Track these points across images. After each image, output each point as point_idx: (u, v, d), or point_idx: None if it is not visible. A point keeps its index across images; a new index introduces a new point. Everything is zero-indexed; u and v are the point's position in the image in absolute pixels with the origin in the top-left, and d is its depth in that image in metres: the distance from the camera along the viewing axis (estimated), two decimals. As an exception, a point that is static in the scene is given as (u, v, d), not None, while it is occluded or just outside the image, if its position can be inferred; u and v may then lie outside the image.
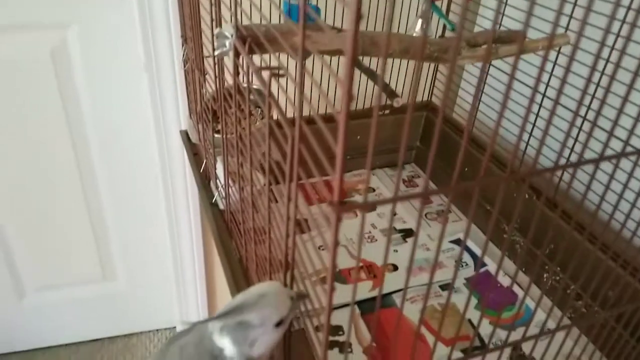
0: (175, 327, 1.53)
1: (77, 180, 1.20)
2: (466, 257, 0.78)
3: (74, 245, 1.31)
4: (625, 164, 0.42)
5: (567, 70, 0.28)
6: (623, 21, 0.58)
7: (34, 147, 1.13)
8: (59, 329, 1.45)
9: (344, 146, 0.23)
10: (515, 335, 0.59)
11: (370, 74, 0.67)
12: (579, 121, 0.70)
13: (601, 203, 0.40)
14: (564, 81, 0.29)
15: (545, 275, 0.72)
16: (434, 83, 0.99)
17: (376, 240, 0.81)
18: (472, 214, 0.31)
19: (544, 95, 0.73)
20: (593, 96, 0.64)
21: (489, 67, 0.81)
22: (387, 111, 0.96)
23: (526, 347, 0.62)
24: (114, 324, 1.49)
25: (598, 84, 0.63)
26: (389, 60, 0.82)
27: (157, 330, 1.54)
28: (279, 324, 0.39)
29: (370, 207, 0.26)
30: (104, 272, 1.38)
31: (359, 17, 0.22)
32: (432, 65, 0.98)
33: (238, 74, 0.41)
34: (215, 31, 0.40)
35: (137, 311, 1.48)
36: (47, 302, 1.38)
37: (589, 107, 0.67)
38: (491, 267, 0.76)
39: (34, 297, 1.37)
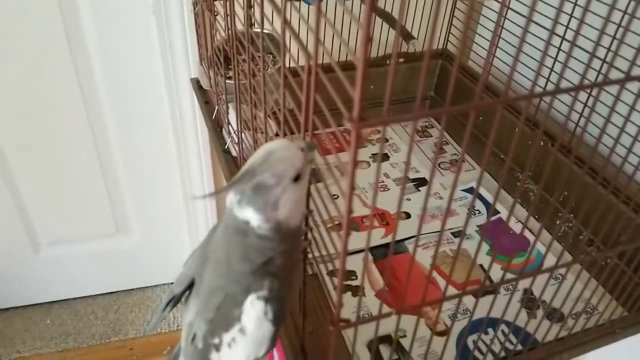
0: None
1: (88, 132, 1.20)
2: (479, 205, 0.78)
3: (87, 199, 1.32)
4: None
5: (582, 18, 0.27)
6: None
7: (42, 98, 1.12)
8: (75, 282, 1.49)
9: (365, 55, 0.22)
10: (527, 280, 0.59)
11: (387, 17, 0.66)
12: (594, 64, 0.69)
13: (615, 147, 0.39)
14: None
15: (557, 222, 0.72)
16: (449, 29, 0.97)
17: (389, 189, 0.81)
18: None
19: (563, 37, 0.71)
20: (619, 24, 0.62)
21: (506, 12, 0.79)
22: (401, 59, 0.95)
23: (537, 291, 0.62)
24: (129, 277, 1.53)
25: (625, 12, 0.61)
26: (405, 2, 0.80)
27: (172, 283, 1.57)
28: (296, 179, 0.36)
29: (390, 121, 0.26)
30: (117, 225, 1.40)
31: None
32: (449, 11, 0.95)
33: (251, 6, 0.41)
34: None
35: (152, 264, 1.51)
36: (63, 256, 1.42)
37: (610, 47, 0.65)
38: (504, 214, 0.76)
39: (49, 251, 1.40)
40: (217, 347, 0.42)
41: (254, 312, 0.39)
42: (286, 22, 0.33)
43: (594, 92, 0.61)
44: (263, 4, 0.36)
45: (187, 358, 0.46)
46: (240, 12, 0.45)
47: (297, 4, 0.32)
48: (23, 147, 1.19)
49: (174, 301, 0.47)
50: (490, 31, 0.88)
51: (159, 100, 1.17)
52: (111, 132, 1.22)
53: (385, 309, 0.37)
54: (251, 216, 0.37)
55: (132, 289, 1.55)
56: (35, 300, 1.49)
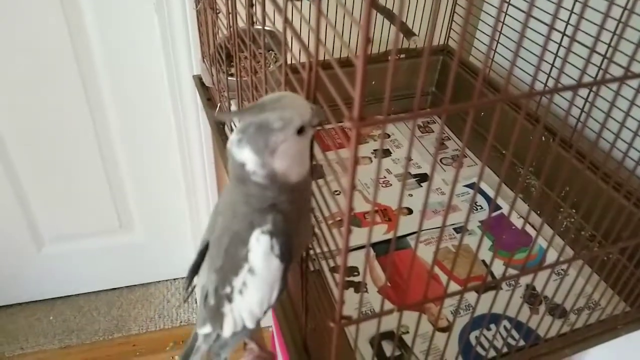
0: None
1: (91, 129, 1.20)
2: (481, 201, 0.78)
3: (90, 195, 1.33)
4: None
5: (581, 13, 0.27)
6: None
7: (44, 95, 1.13)
8: (78, 279, 1.49)
9: (364, 57, 0.22)
10: (529, 276, 0.60)
11: (387, 13, 0.66)
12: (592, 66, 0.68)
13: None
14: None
15: (559, 217, 0.72)
16: (450, 25, 0.97)
17: (391, 185, 0.81)
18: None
19: (563, 33, 0.71)
20: (619, 21, 0.62)
21: (507, 8, 0.79)
22: (402, 55, 0.95)
23: (539, 287, 0.63)
24: (132, 273, 1.53)
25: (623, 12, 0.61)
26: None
27: (175, 279, 1.58)
28: (300, 132, 0.35)
29: (390, 121, 0.26)
30: (120, 222, 1.41)
31: None
32: (449, 6, 0.95)
33: (252, 5, 0.41)
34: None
35: (155, 260, 1.51)
36: (65, 252, 1.42)
37: (610, 43, 0.65)
38: (506, 209, 0.76)
39: (52, 247, 1.41)
40: (229, 297, 0.42)
41: (260, 248, 0.38)
42: (287, 22, 0.33)
43: (594, 87, 0.62)
44: (265, 3, 0.36)
45: (202, 322, 0.46)
46: (241, 9, 0.45)
47: (298, 3, 0.32)
48: (26, 143, 1.20)
49: (195, 268, 0.48)
50: (491, 26, 0.87)
51: (162, 97, 1.17)
52: (114, 128, 1.22)
53: (388, 305, 0.37)
54: (248, 157, 0.36)
55: (135, 285, 1.55)
56: (38, 297, 1.50)
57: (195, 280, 0.49)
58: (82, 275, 1.49)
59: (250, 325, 0.44)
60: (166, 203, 1.39)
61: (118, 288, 1.54)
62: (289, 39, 0.36)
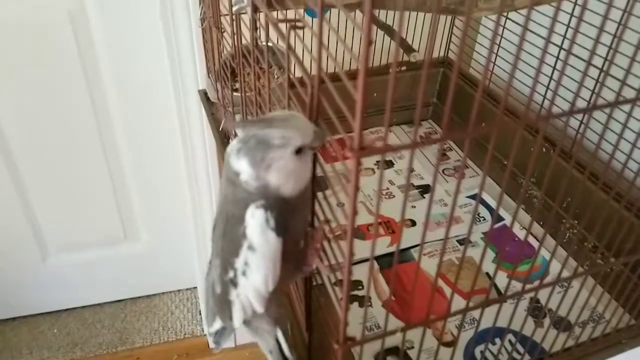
0: (196, 287, 1.58)
1: (97, 140, 1.22)
2: (484, 212, 0.79)
3: (95, 206, 1.34)
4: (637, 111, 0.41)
5: (577, 28, 0.28)
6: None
7: (53, 107, 1.15)
8: (82, 291, 1.49)
9: (364, 90, 0.23)
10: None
11: (387, 29, 0.66)
12: (591, 73, 0.69)
13: (614, 152, 0.40)
14: (575, 33, 0.28)
15: (562, 229, 0.73)
16: (450, 38, 0.98)
17: (394, 196, 0.82)
18: (488, 160, 0.31)
19: (560, 47, 0.72)
20: (610, 46, 0.63)
21: (505, 21, 0.79)
22: (403, 67, 0.95)
23: (543, 299, 0.63)
24: (136, 284, 1.53)
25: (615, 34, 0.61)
26: (405, 15, 0.81)
27: (179, 290, 1.58)
28: (298, 152, 0.37)
29: (389, 150, 0.26)
30: (125, 232, 1.42)
31: None
32: (449, 19, 0.96)
33: (256, 29, 0.41)
34: (233, -14, 0.40)
35: (159, 272, 1.52)
36: (70, 264, 1.43)
37: (606, 57, 0.65)
38: (509, 221, 0.76)
39: (57, 258, 1.41)
40: (234, 282, 0.42)
41: (256, 222, 0.39)
42: (290, 48, 0.34)
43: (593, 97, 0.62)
44: (268, 27, 0.37)
45: (212, 317, 0.46)
46: (246, 31, 0.46)
47: (300, 32, 0.33)
48: (33, 154, 1.21)
49: None
50: (489, 39, 0.88)
51: (168, 111, 1.19)
52: (120, 139, 1.24)
53: (392, 320, 0.37)
54: (244, 168, 0.37)
55: (139, 297, 1.56)
56: (43, 309, 1.50)
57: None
58: (87, 287, 1.49)
59: (258, 307, 0.43)
60: (171, 214, 1.40)
61: (122, 300, 1.55)
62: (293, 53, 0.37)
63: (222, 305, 0.44)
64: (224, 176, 0.41)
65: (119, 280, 1.50)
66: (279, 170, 0.37)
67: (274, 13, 0.40)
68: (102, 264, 1.45)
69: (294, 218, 0.41)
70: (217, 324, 0.46)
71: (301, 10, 0.34)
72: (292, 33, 0.33)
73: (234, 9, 0.41)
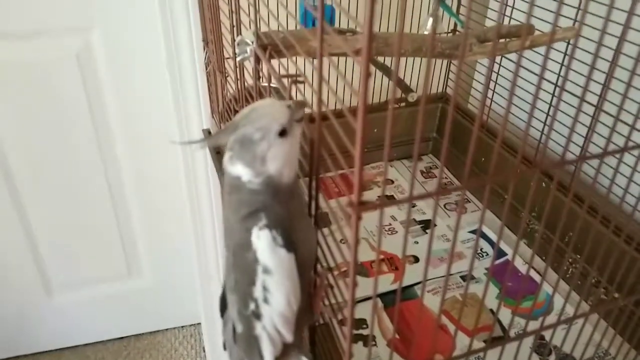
0: (199, 323, 1.57)
1: (103, 179, 1.24)
2: (487, 247, 0.79)
3: (100, 243, 1.35)
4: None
5: (569, 65, 0.29)
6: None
7: (59, 145, 1.17)
8: (85, 328, 1.49)
9: (361, 153, 0.24)
10: (537, 324, 0.60)
11: (385, 70, 0.69)
12: (588, 113, 0.70)
13: (611, 186, 0.41)
14: (567, 70, 0.30)
15: (566, 264, 0.73)
16: (448, 75, 1.00)
17: (396, 232, 0.82)
18: (484, 209, 0.32)
19: (556, 86, 0.74)
20: (605, 86, 0.64)
21: (501, 59, 0.82)
22: (402, 104, 0.97)
23: (547, 335, 0.63)
24: (139, 321, 1.53)
25: (607, 77, 0.63)
26: (402, 58, 0.83)
27: (182, 326, 1.57)
28: (282, 134, 0.37)
29: (387, 205, 0.27)
30: (129, 269, 1.42)
31: (372, 16, 0.23)
32: (446, 57, 0.98)
33: (259, 78, 0.43)
34: (237, 39, 0.41)
35: (163, 308, 1.51)
36: (74, 301, 1.43)
37: (599, 99, 0.67)
38: (511, 256, 0.77)
39: (61, 295, 1.42)
40: (257, 313, 0.40)
41: (264, 243, 0.38)
42: (292, 99, 0.35)
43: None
44: (270, 79, 0.39)
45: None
46: (249, 78, 0.48)
47: (301, 86, 0.35)
48: (39, 191, 1.23)
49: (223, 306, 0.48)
50: (484, 75, 0.90)
51: (172, 149, 1.21)
52: (125, 176, 1.26)
53: (397, 359, 0.37)
54: (241, 171, 0.38)
55: (143, 334, 1.55)
56: (45, 347, 1.49)
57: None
58: (90, 324, 1.48)
59: (287, 335, 0.41)
60: (174, 250, 1.40)
61: (126, 337, 1.53)
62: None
63: (249, 345, 0.42)
64: (225, 192, 0.41)
65: (122, 317, 1.50)
66: (274, 158, 0.38)
67: (275, 62, 0.42)
68: (105, 301, 1.45)
69: (295, 219, 0.40)
70: None
71: (300, 64, 0.36)
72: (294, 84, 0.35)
73: (238, 59, 0.43)
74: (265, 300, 0.40)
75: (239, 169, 0.38)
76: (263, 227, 0.38)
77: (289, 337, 0.41)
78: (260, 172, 0.38)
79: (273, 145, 0.37)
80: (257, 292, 0.40)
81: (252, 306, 0.40)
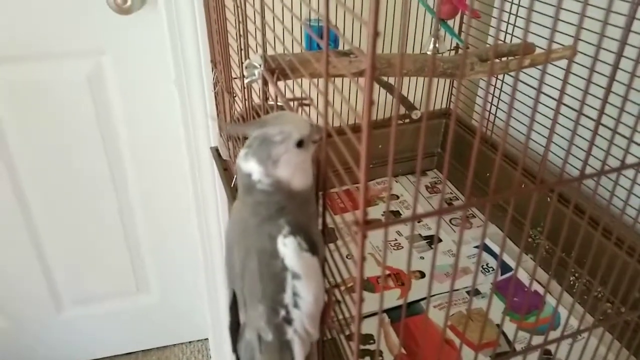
0: (207, 339, 1.57)
1: (113, 196, 1.26)
2: (493, 262, 0.79)
3: (109, 260, 1.36)
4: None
5: (565, 79, 0.30)
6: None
7: (70, 162, 1.20)
8: (93, 343, 1.50)
9: (366, 175, 0.25)
10: (539, 339, 0.60)
11: (389, 88, 0.70)
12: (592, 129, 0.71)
13: (611, 198, 0.41)
14: (563, 89, 0.31)
15: (572, 279, 0.73)
16: (451, 91, 1.01)
17: (402, 247, 0.83)
18: (485, 226, 0.33)
19: (558, 102, 0.75)
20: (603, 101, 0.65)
21: (504, 76, 0.83)
22: (407, 120, 0.99)
23: (553, 349, 0.63)
24: (147, 336, 1.53)
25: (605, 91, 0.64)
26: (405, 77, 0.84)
27: (190, 342, 1.57)
28: (299, 144, 0.39)
29: (392, 224, 0.28)
30: (137, 285, 1.43)
31: (376, 35, 0.25)
32: (450, 73, 1.00)
33: (267, 99, 0.45)
34: (245, 62, 0.43)
35: (170, 323, 1.52)
36: (83, 316, 1.44)
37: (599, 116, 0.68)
38: (518, 271, 0.77)
39: (71, 311, 1.42)
40: (288, 319, 0.42)
41: (291, 250, 0.40)
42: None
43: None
44: (277, 99, 0.40)
45: None
46: (256, 98, 0.49)
47: (307, 108, 0.36)
48: (50, 209, 1.25)
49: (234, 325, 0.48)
50: (489, 93, 0.92)
51: (181, 166, 1.23)
52: (134, 193, 1.28)
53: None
54: (254, 168, 0.39)
55: (151, 349, 1.55)
56: (55, 364, 1.50)
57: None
58: (98, 340, 1.49)
59: (315, 333, 0.43)
60: (182, 266, 1.42)
61: (134, 352, 1.54)
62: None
63: (280, 351, 0.43)
64: (239, 195, 0.42)
65: (131, 333, 1.50)
66: (286, 164, 0.39)
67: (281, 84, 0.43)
68: (114, 316, 1.46)
69: (311, 225, 0.42)
70: None
71: (306, 87, 0.37)
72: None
73: (246, 81, 0.45)
74: (296, 305, 0.41)
75: (251, 166, 0.40)
76: (288, 235, 0.40)
77: (316, 335, 0.43)
78: (270, 173, 0.40)
79: (289, 151, 0.39)
80: (288, 298, 0.41)
81: (282, 313, 0.41)
